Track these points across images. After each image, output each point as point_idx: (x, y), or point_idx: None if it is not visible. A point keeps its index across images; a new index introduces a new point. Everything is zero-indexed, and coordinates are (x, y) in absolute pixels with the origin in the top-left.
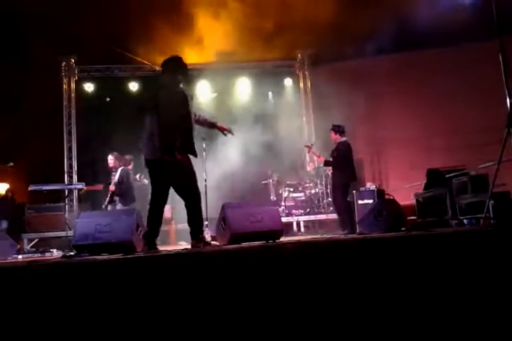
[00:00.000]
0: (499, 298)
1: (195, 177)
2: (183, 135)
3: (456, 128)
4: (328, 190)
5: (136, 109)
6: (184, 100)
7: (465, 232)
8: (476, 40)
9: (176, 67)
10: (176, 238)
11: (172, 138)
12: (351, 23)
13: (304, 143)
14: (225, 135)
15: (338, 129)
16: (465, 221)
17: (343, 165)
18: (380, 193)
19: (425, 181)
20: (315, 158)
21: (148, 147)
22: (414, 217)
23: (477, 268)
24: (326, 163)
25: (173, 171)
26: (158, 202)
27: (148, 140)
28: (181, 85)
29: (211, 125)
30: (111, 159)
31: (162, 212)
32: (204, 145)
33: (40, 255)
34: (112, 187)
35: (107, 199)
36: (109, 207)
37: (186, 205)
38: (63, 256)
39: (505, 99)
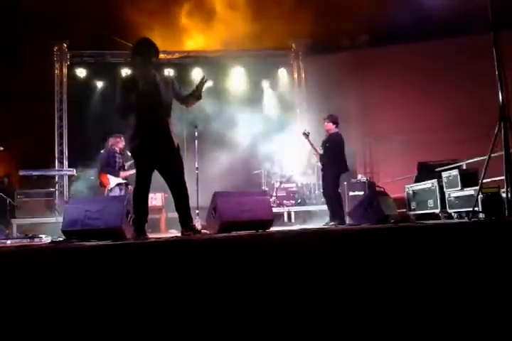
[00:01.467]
0: (485, 289)
1: (183, 164)
2: (161, 121)
3: (449, 121)
4: (320, 181)
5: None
6: (155, 86)
7: (453, 225)
8: (471, 34)
9: (148, 50)
10: (166, 226)
11: (144, 127)
12: (346, 14)
13: (298, 133)
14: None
15: (334, 120)
16: (454, 214)
17: (335, 157)
18: (370, 185)
19: (416, 174)
20: (309, 146)
21: (130, 134)
22: (404, 210)
23: (465, 260)
24: (321, 157)
25: (156, 157)
26: (142, 187)
27: (130, 127)
28: (153, 70)
29: (194, 95)
30: (123, 140)
31: (147, 197)
32: (196, 133)
33: (29, 240)
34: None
35: (119, 181)
36: (116, 191)
37: (174, 193)
38: (52, 242)
39: (498, 93)
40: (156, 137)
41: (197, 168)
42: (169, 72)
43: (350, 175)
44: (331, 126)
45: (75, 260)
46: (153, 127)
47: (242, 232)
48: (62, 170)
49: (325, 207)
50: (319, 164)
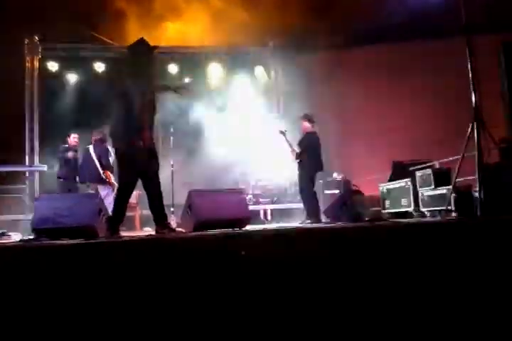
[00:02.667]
0: (457, 288)
1: (158, 163)
2: (149, 120)
3: (424, 122)
4: (296, 180)
5: (115, 94)
6: (151, 85)
7: (426, 224)
8: (444, 36)
9: (144, 50)
10: (141, 224)
11: (143, 123)
12: (324, 14)
13: (274, 131)
14: (180, 93)
15: (310, 118)
16: (427, 213)
17: (310, 155)
18: (345, 184)
19: (390, 173)
20: (285, 145)
21: (120, 132)
22: (379, 208)
23: (438, 258)
24: (298, 156)
25: (143, 156)
26: (128, 189)
27: (120, 125)
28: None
29: (167, 88)
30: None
31: (129, 199)
32: (172, 130)
33: None
34: None
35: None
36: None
37: (149, 191)
38: (21, 240)
39: (471, 94)
40: (145, 136)
41: (172, 165)
42: None
43: (326, 174)
44: (306, 124)
45: (45, 259)
46: (145, 126)
47: (218, 230)
48: (33, 166)
49: (301, 205)
50: (295, 162)
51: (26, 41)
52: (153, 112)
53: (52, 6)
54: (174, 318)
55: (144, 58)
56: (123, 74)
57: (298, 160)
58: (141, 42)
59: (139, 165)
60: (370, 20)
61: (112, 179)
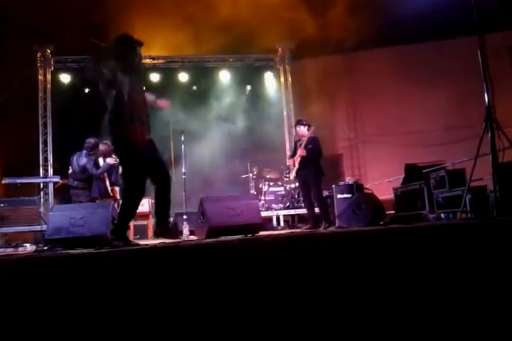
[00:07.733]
0: (475, 291)
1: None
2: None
3: (435, 123)
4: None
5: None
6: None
7: (443, 226)
8: (456, 36)
9: (131, 43)
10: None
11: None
12: (331, 17)
13: (284, 137)
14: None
15: (305, 123)
16: (442, 215)
17: (317, 160)
18: (358, 187)
19: (403, 176)
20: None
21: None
22: (393, 211)
23: (454, 261)
24: (305, 160)
25: (151, 152)
26: (139, 192)
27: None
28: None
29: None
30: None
31: (138, 203)
32: (183, 138)
33: (13, 249)
34: None
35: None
36: None
37: (161, 189)
38: (36, 251)
39: (483, 94)
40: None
41: (184, 173)
42: (155, 76)
43: (338, 178)
44: (303, 129)
45: (59, 268)
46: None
47: (231, 237)
48: (47, 178)
49: (315, 210)
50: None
51: (39, 54)
52: (145, 107)
53: (63, 18)
54: (189, 325)
55: (132, 52)
56: (109, 66)
57: (299, 166)
58: (127, 37)
59: (140, 159)
60: (381, 22)
61: (118, 195)
